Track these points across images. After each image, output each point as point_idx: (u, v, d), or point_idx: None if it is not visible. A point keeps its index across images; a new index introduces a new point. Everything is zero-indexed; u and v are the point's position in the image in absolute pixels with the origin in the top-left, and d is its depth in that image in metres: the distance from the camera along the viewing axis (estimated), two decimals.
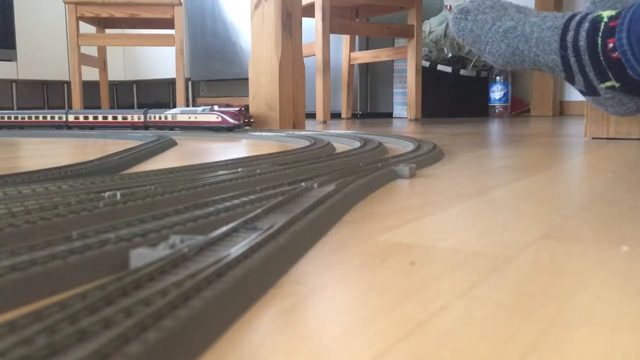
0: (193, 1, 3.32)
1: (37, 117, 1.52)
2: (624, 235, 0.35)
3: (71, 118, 1.48)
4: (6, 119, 1.55)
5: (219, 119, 1.33)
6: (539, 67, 0.96)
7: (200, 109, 1.36)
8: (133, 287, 0.21)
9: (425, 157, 0.72)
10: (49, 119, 1.51)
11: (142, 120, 1.42)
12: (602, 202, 0.47)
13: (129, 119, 1.43)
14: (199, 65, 3.36)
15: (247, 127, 1.44)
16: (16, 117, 1.54)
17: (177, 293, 0.20)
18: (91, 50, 2.52)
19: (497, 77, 2.82)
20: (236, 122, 1.34)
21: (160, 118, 1.40)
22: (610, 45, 0.85)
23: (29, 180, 0.51)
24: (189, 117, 1.36)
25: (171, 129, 1.40)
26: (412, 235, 0.36)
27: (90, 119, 1.46)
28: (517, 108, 3.02)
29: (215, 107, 1.34)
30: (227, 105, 1.38)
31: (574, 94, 2.85)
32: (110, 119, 1.44)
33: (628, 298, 0.24)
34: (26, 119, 1.53)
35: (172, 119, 1.39)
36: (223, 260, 0.24)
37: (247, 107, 1.47)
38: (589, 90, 0.93)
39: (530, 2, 2.42)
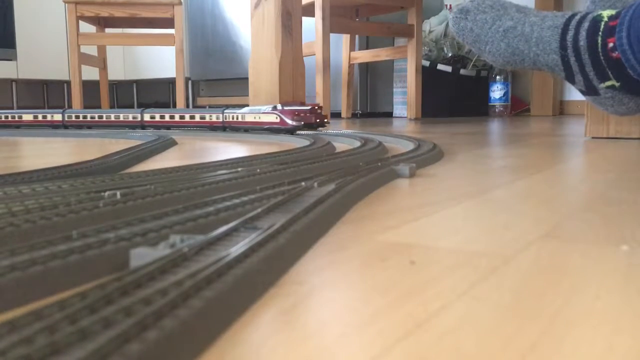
0: (193, 1, 3.31)
1: (108, 117, 1.42)
2: (624, 235, 0.35)
3: (147, 117, 1.38)
4: (74, 118, 1.45)
5: (277, 120, 1.19)
6: (539, 66, 0.96)
7: (263, 108, 1.23)
8: (133, 286, 0.21)
9: (425, 157, 0.72)
10: (121, 118, 1.41)
11: (220, 120, 1.30)
12: (603, 201, 0.47)
13: (207, 119, 1.31)
14: (199, 64, 3.36)
15: (321, 129, 1.25)
16: (85, 117, 1.44)
17: (177, 292, 0.20)
18: (91, 50, 2.52)
19: (497, 77, 2.82)
20: (295, 124, 1.17)
21: (235, 118, 1.27)
22: (611, 44, 0.85)
23: (29, 179, 0.51)
24: (254, 118, 1.23)
25: (246, 130, 1.26)
26: (412, 235, 0.36)
27: (167, 118, 1.36)
28: (517, 107, 3.02)
29: (278, 106, 1.20)
30: (302, 104, 1.22)
31: (574, 94, 2.85)
32: (187, 118, 1.34)
33: (628, 298, 0.24)
34: (96, 118, 1.43)
35: (242, 119, 1.26)
36: (223, 259, 0.24)
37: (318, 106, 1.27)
38: (589, 90, 0.93)
39: (530, 2, 2.42)
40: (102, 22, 2.50)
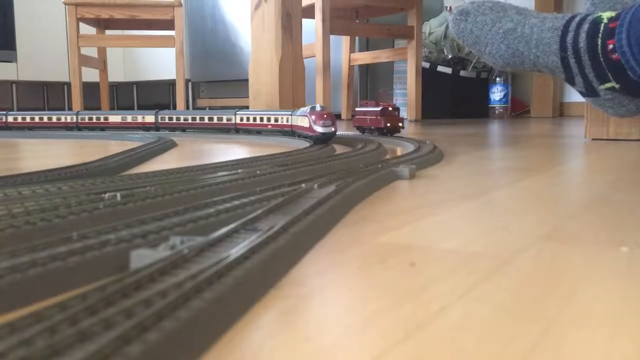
0: (193, 2, 3.32)
1: (202, 119, 1.34)
2: (624, 236, 0.35)
3: (238, 120, 1.30)
4: (167, 120, 1.38)
5: (307, 125, 1.00)
6: (539, 68, 0.96)
7: (304, 109, 1.05)
8: (133, 288, 0.21)
9: (425, 158, 0.72)
10: (215, 120, 1.33)
11: (289, 123, 1.16)
12: (602, 203, 0.47)
13: (279, 122, 1.20)
14: (199, 66, 3.36)
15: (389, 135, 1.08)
16: (179, 119, 1.37)
17: (177, 294, 0.20)
18: (91, 52, 2.52)
19: (497, 78, 2.82)
20: (324, 130, 0.96)
21: (296, 122, 1.12)
22: (610, 46, 0.85)
23: (30, 181, 0.51)
24: (302, 121, 1.08)
25: (306, 137, 1.06)
26: (412, 236, 0.36)
27: (251, 121, 1.27)
28: (517, 109, 3.02)
29: (317, 107, 1.00)
30: (377, 104, 1.05)
31: (574, 95, 2.85)
32: (265, 121, 1.24)
33: (628, 299, 0.24)
34: (189, 121, 1.36)
35: (296, 122, 1.11)
36: (223, 261, 0.24)
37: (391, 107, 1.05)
38: (589, 92, 0.93)
39: (530, 3, 2.42)
40: (102, 24, 2.50)
